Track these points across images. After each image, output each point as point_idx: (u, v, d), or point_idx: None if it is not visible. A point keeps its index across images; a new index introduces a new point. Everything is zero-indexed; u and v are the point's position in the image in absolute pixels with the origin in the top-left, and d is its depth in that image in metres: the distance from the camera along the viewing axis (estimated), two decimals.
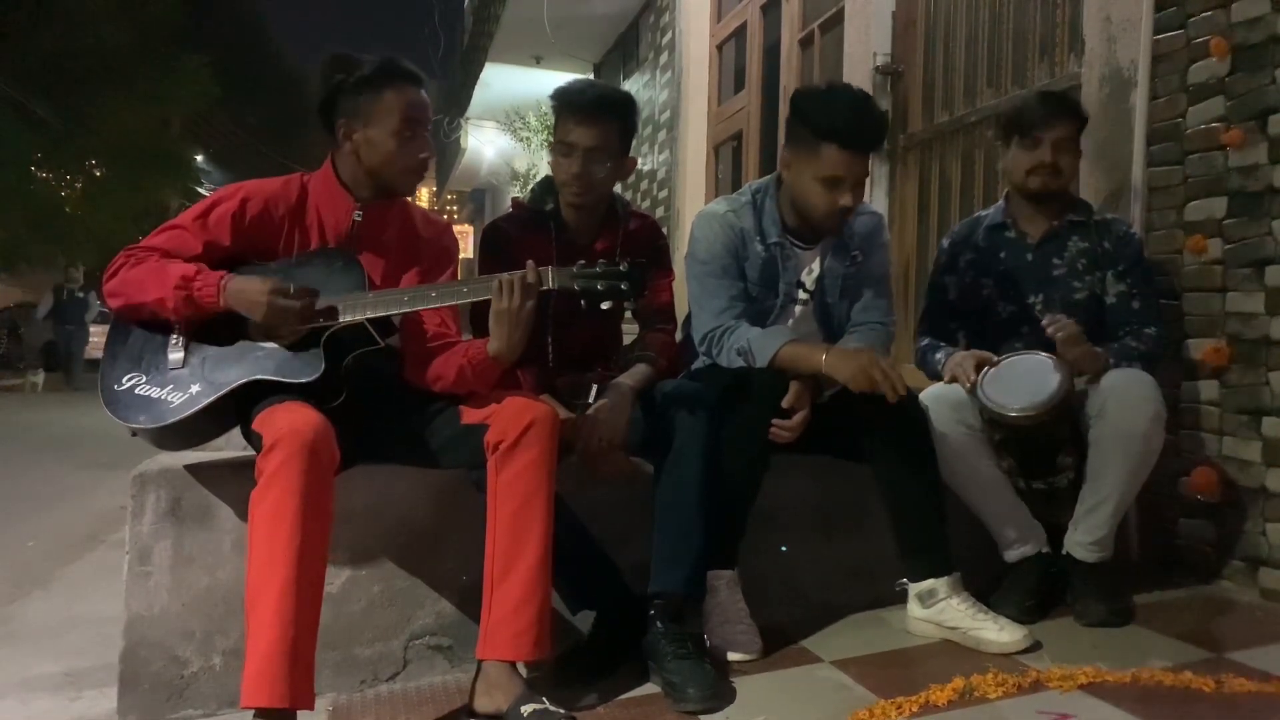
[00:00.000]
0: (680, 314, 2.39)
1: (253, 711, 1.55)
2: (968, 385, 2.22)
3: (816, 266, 2.30)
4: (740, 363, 2.16)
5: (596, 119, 2.17)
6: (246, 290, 1.77)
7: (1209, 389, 2.47)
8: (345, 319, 1.80)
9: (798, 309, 2.31)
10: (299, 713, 1.57)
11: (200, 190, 19.40)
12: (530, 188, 2.42)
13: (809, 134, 2.15)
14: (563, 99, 2.22)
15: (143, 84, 17.07)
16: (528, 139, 11.64)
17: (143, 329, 1.87)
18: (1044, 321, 2.23)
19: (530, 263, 1.79)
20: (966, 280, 2.50)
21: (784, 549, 2.30)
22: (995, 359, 2.25)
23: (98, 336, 15.18)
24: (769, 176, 2.34)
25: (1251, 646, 2.00)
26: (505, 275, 1.77)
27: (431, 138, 2.00)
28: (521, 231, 2.26)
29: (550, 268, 1.79)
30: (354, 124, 1.94)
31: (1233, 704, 1.73)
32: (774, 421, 2.10)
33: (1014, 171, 2.42)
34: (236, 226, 1.90)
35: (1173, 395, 2.48)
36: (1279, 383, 2.28)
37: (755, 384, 2.12)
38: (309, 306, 1.78)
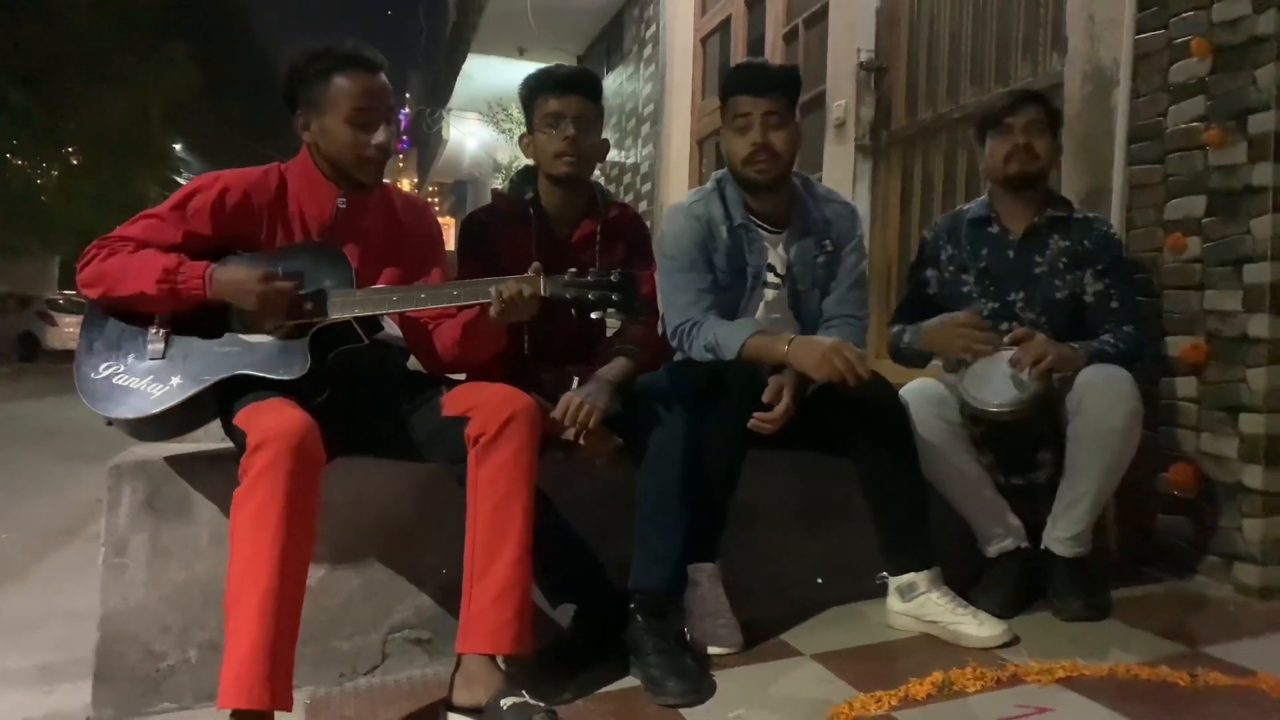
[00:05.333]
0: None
1: (230, 711, 1.54)
2: (985, 353, 2.23)
3: (785, 252, 2.31)
4: (710, 357, 2.16)
5: (578, 90, 2.23)
6: (237, 279, 1.75)
7: (1187, 386, 2.49)
8: (333, 316, 1.79)
9: (769, 294, 2.31)
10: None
11: (178, 179, 19.23)
12: (509, 177, 2.42)
13: (724, 98, 2.27)
14: (539, 78, 2.26)
15: (122, 72, 16.90)
16: (510, 131, 11.58)
17: (120, 318, 1.84)
18: (1006, 339, 2.25)
19: (536, 265, 1.79)
20: (947, 274, 2.50)
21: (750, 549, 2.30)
22: (991, 338, 2.26)
23: (72, 328, 15.07)
24: None
25: (1226, 641, 2.02)
26: (507, 289, 1.75)
27: (393, 123, 1.95)
28: (501, 222, 2.26)
29: (542, 276, 1.78)
30: (311, 114, 1.92)
31: (1207, 697, 1.75)
32: (755, 415, 2.10)
33: (993, 164, 2.43)
34: (216, 216, 1.87)
35: (1151, 392, 2.50)
36: (1256, 380, 2.31)
37: (734, 378, 2.12)
38: (299, 288, 1.77)
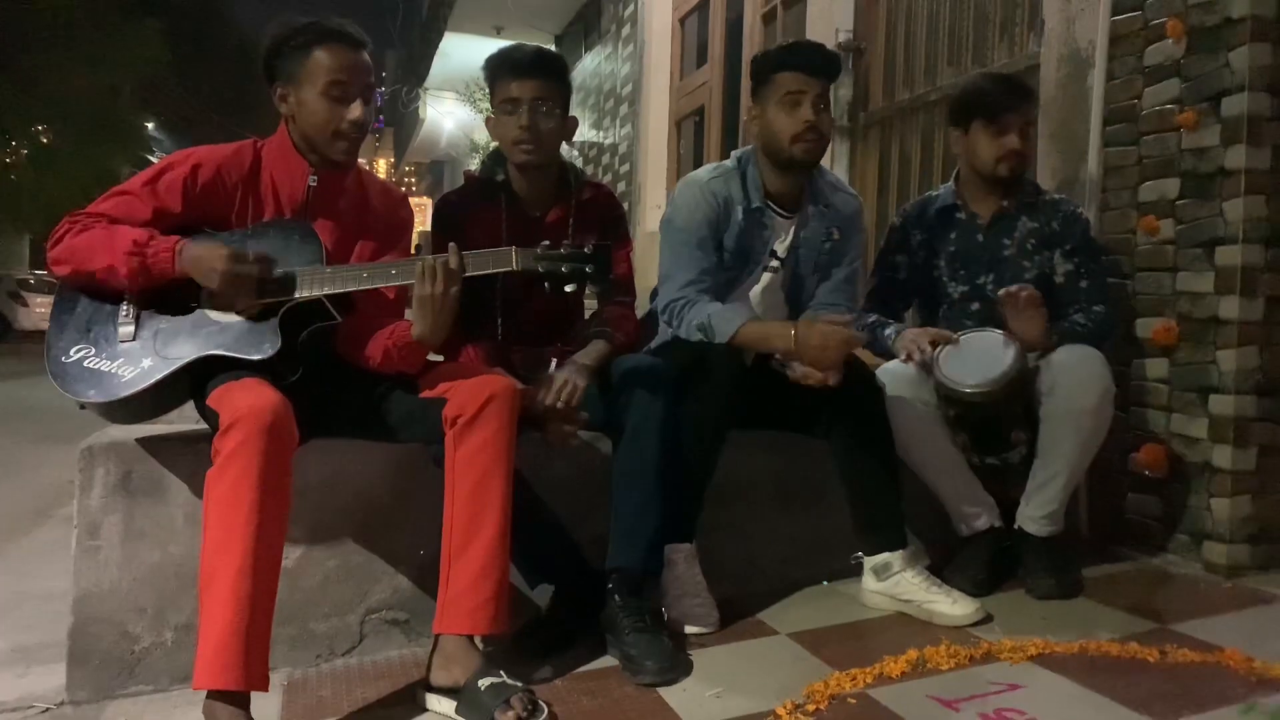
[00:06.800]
0: (646, 285, 2.39)
1: (205, 693, 1.54)
2: (918, 359, 2.24)
3: (794, 235, 2.31)
4: (699, 337, 2.17)
5: (535, 73, 2.17)
6: (204, 256, 1.72)
7: (1158, 367, 2.51)
8: (301, 294, 1.77)
9: (766, 275, 2.32)
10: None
11: (150, 158, 18.98)
12: (481, 159, 2.39)
13: (767, 73, 2.25)
14: (498, 60, 2.21)
15: (91, 48, 16.63)
16: (487, 110, 11.49)
17: (91, 299, 1.82)
18: (1001, 292, 2.26)
19: (453, 245, 1.75)
20: (918, 260, 2.51)
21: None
22: (953, 336, 2.27)
23: (44, 308, 14.89)
24: (751, 146, 2.35)
25: (1194, 618, 2.05)
26: (428, 259, 1.74)
27: (371, 102, 1.93)
28: (473, 204, 2.24)
29: (514, 248, 1.76)
30: (288, 88, 1.90)
31: (1175, 673, 1.77)
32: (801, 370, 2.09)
33: (983, 159, 2.39)
34: (187, 193, 1.85)
35: (1123, 373, 2.52)
36: (1226, 361, 2.33)
37: (714, 360, 2.12)
38: (266, 273, 1.74)
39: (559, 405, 1.95)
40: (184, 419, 1.95)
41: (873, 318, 2.50)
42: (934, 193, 2.57)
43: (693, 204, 2.26)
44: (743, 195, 2.27)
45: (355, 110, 1.88)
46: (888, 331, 2.42)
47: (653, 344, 2.35)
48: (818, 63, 2.24)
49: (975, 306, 2.42)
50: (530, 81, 2.15)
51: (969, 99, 2.45)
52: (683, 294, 2.21)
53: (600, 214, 2.31)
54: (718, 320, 2.15)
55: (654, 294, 2.36)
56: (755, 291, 2.33)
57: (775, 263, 2.32)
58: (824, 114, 2.22)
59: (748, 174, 2.30)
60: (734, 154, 2.36)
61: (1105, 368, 2.19)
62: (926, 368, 2.24)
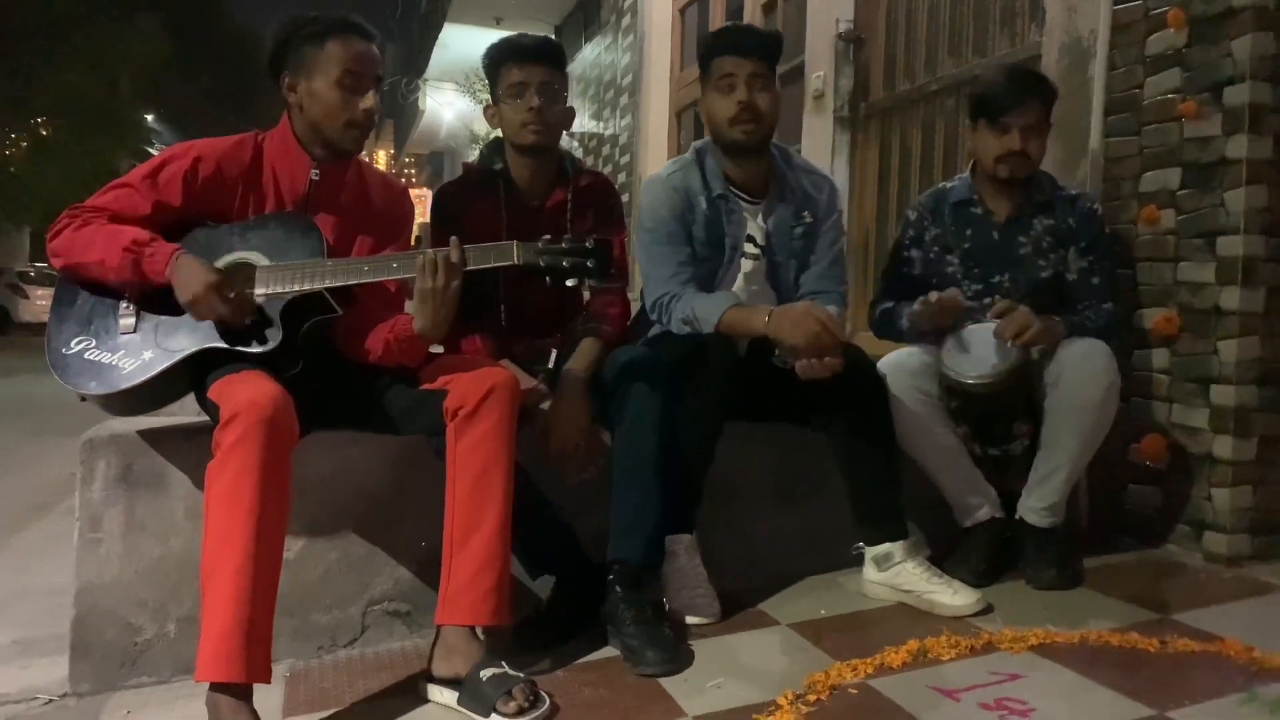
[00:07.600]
0: (636, 278, 2.38)
1: (208, 683, 1.54)
2: (960, 306, 2.26)
3: (764, 223, 2.31)
4: (688, 330, 2.16)
5: (541, 58, 2.21)
6: (188, 274, 1.70)
7: (1159, 357, 2.51)
8: (300, 288, 1.76)
9: (748, 264, 2.31)
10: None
11: (150, 151, 18.98)
12: (479, 149, 2.40)
13: (705, 62, 2.27)
14: (502, 47, 2.24)
15: (90, 41, 16.62)
16: (486, 101, 11.46)
17: (91, 292, 1.82)
18: (989, 314, 2.26)
19: (454, 240, 1.75)
20: (931, 255, 2.49)
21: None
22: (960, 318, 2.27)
23: (44, 300, 14.90)
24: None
25: (1195, 608, 2.06)
26: (429, 253, 1.74)
27: (379, 93, 1.95)
28: (471, 195, 2.25)
29: (516, 243, 1.75)
30: (298, 77, 1.90)
31: (1176, 663, 1.78)
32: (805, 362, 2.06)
33: (984, 157, 2.37)
34: (188, 187, 1.85)
35: (1124, 363, 2.51)
36: (1227, 352, 2.33)
37: (709, 351, 2.11)
38: (240, 313, 1.73)
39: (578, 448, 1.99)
40: (185, 411, 1.96)
41: (887, 304, 2.49)
42: (949, 184, 2.53)
43: (657, 202, 2.27)
44: (703, 185, 2.28)
45: (369, 100, 1.90)
46: (915, 306, 2.33)
47: (649, 334, 2.34)
48: (747, 43, 2.24)
49: (988, 302, 2.40)
50: (537, 66, 2.19)
51: (978, 94, 2.42)
52: (666, 288, 2.22)
53: (596, 199, 2.31)
54: (701, 310, 2.15)
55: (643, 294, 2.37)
56: (738, 281, 2.33)
57: (755, 250, 2.31)
58: (760, 94, 2.21)
59: (706, 164, 2.30)
60: (693, 145, 2.36)
61: (1111, 362, 2.18)
62: (941, 330, 2.24)
